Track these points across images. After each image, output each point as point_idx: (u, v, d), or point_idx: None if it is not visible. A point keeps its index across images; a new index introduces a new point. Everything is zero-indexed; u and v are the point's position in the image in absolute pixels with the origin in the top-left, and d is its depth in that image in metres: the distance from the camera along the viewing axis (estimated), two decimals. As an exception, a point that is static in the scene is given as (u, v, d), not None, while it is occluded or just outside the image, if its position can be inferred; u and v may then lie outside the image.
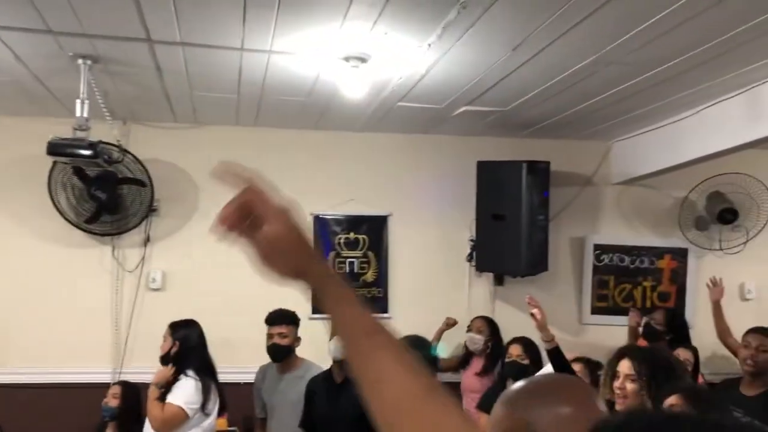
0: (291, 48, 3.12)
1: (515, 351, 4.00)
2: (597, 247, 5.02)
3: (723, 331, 4.46)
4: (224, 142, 4.71)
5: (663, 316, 4.38)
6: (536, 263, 4.60)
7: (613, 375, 2.78)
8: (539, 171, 4.56)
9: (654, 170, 4.58)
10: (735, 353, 4.10)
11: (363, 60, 3.18)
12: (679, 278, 5.03)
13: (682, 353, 3.78)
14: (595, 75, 3.37)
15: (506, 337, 4.39)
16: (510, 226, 4.48)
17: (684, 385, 2.66)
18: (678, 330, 4.35)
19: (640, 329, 4.44)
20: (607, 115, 4.27)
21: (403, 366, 0.83)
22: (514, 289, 4.93)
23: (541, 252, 4.63)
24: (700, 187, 4.98)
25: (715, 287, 4.63)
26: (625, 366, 2.75)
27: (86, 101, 3.43)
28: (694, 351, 3.96)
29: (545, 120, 4.45)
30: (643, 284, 5.02)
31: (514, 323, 4.61)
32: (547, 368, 3.45)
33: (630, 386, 2.69)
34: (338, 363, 3.54)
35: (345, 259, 4.85)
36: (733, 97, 3.70)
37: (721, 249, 5.00)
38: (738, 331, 4.05)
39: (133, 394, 3.79)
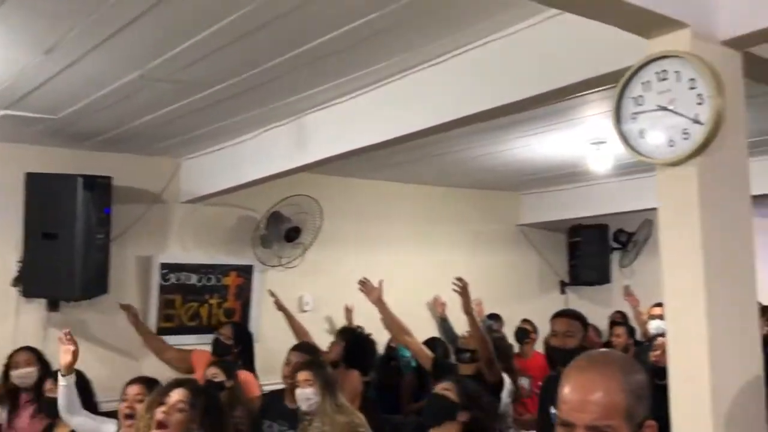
0: None
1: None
2: (164, 266, 4.88)
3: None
4: None
5: (230, 331, 4.47)
6: (94, 285, 4.26)
7: (160, 402, 2.68)
8: (98, 186, 4.24)
9: (219, 189, 4.65)
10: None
11: None
12: (244, 294, 5.20)
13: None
14: (145, 90, 3.24)
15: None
16: (63, 246, 4.06)
17: None
18: (246, 342, 4.52)
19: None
20: (170, 132, 4.17)
21: None
22: (72, 314, 4.49)
23: (99, 273, 4.31)
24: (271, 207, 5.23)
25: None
26: (177, 395, 2.66)
27: None
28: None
29: (106, 132, 4.16)
30: (209, 302, 5.06)
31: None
32: None
33: (177, 416, 2.62)
34: None
35: None
36: (283, 124, 3.96)
37: (281, 264, 5.35)
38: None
39: None
